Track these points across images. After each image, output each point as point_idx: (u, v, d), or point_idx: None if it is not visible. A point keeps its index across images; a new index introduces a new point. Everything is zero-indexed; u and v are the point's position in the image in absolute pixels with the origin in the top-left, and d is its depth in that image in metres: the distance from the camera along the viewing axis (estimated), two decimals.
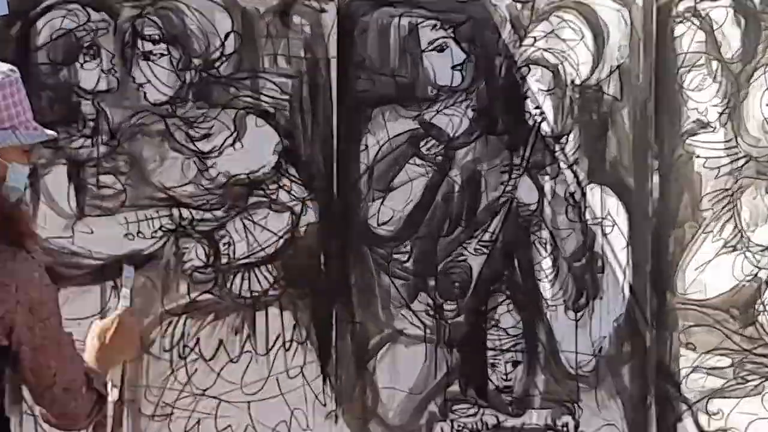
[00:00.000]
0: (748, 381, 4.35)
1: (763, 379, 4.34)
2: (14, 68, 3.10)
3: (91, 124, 4.24)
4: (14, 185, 3.15)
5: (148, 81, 4.26)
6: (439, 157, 4.48)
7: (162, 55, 4.27)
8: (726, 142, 4.34)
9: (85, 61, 4.22)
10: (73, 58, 4.20)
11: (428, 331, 4.53)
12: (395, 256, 4.52)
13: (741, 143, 4.33)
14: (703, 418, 4.45)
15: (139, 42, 4.25)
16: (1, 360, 3.06)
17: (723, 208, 4.38)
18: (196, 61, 4.30)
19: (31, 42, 4.16)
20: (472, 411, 4.55)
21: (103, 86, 4.22)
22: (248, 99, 4.35)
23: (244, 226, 4.32)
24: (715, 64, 4.34)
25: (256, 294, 4.32)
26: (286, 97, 4.36)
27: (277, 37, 4.34)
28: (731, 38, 4.32)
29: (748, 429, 4.38)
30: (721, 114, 4.34)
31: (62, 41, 4.17)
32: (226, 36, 4.31)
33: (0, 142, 3.00)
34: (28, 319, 2.96)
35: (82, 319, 4.04)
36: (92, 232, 4.23)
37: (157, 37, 4.27)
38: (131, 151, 4.28)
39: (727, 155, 4.36)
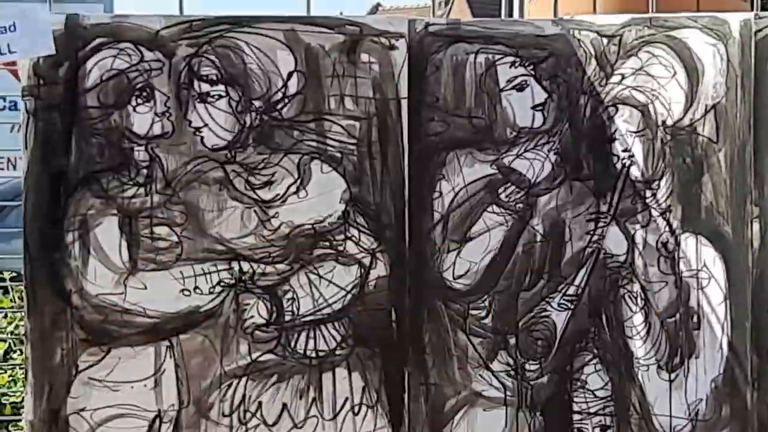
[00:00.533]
0: None
1: None
2: None
3: (145, 171, 4.21)
4: None
5: (206, 125, 4.21)
6: (520, 205, 4.32)
7: (220, 96, 4.22)
8: None
9: (138, 104, 4.18)
10: (125, 100, 4.18)
11: (508, 393, 4.40)
12: (472, 311, 4.34)
13: None
14: None
15: (196, 83, 4.21)
16: None
17: None
18: (257, 103, 4.23)
19: (80, 84, 4.15)
20: None
21: (157, 131, 4.19)
22: (313, 143, 4.26)
23: (309, 280, 4.22)
24: None
25: (323, 354, 4.23)
26: (354, 140, 4.27)
27: (343, 77, 4.26)
28: None
29: None
30: None
31: (113, 83, 4.16)
32: (289, 75, 4.22)
33: None
34: None
35: (134, 382, 4.16)
36: (145, 288, 4.20)
37: (214, 78, 4.22)
38: (187, 200, 4.24)
39: None
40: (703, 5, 5.45)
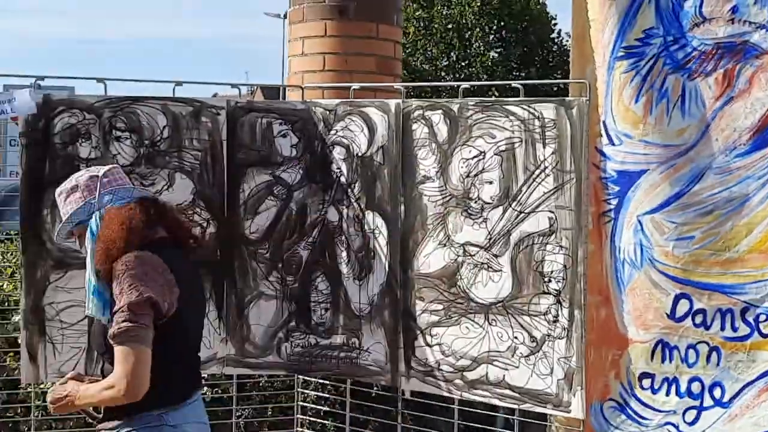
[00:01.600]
0: (452, 317, 5.27)
1: (461, 317, 5.26)
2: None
3: None
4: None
5: (118, 153, 5.46)
6: (284, 196, 5.67)
7: (126, 138, 5.46)
8: (439, 187, 5.28)
9: (82, 142, 5.38)
10: (75, 139, 5.35)
11: (278, 292, 5.66)
12: (260, 251, 5.72)
13: (448, 188, 5.24)
14: (428, 338, 5.38)
15: (113, 131, 5.40)
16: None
17: (438, 222, 5.30)
18: (146, 142, 5.45)
19: (51, 130, 5.30)
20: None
21: (92, 156, 5.36)
22: (176, 163, 5.53)
23: None
24: (433, 144, 5.24)
25: None
26: (198, 162, 5.57)
27: (192, 129, 5.55)
28: (442, 131, 5.21)
29: (452, 344, 5.28)
30: (437, 172, 5.27)
31: (69, 130, 5.33)
32: (163, 128, 5.49)
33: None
34: None
35: (80, 288, 5.06)
36: None
37: (123, 128, 5.42)
38: None
39: (441, 194, 5.28)
40: (378, 95, 6.55)
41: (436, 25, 35.72)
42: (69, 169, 5.17)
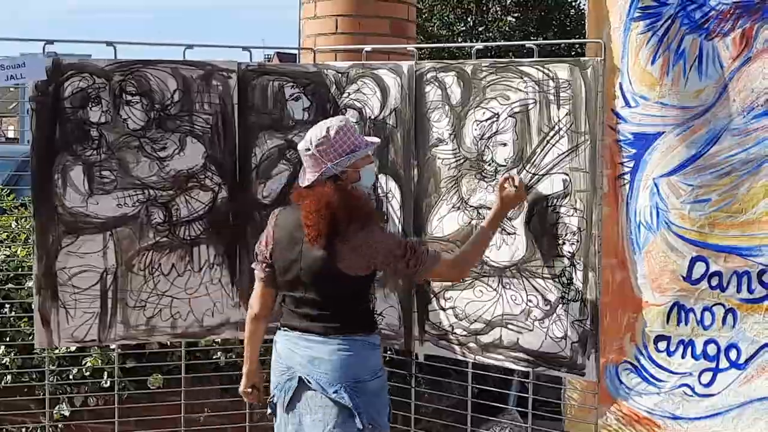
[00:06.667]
0: (465, 280, 5.31)
1: (474, 280, 5.28)
2: (344, 117, 4.59)
3: (96, 142, 5.43)
4: (366, 183, 4.53)
5: (129, 117, 5.51)
6: (297, 160, 5.48)
7: (137, 102, 5.52)
8: (453, 150, 5.24)
9: (92, 106, 5.43)
10: (85, 104, 5.42)
11: None
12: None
13: (461, 150, 5.19)
14: (442, 301, 5.42)
15: (124, 95, 5.45)
16: (368, 280, 4.54)
17: (452, 185, 5.30)
18: (157, 106, 5.53)
19: (61, 95, 5.34)
20: None
21: (102, 120, 5.46)
22: (187, 127, 5.59)
23: (186, 199, 5.65)
24: (447, 107, 5.22)
25: (193, 237, 5.57)
26: (209, 126, 5.62)
27: (203, 92, 5.61)
28: (456, 93, 5.18)
29: (466, 307, 5.33)
30: (450, 134, 5.24)
31: (79, 94, 5.38)
32: (174, 91, 5.53)
33: (353, 157, 4.36)
34: (384, 257, 4.41)
35: (92, 253, 5.52)
36: (97, 203, 5.49)
37: (134, 92, 5.48)
38: (120, 156, 5.48)
39: (454, 157, 5.25)
40: (392, 58, 6.40)
41: None
42: (79, 133, 5.40)
